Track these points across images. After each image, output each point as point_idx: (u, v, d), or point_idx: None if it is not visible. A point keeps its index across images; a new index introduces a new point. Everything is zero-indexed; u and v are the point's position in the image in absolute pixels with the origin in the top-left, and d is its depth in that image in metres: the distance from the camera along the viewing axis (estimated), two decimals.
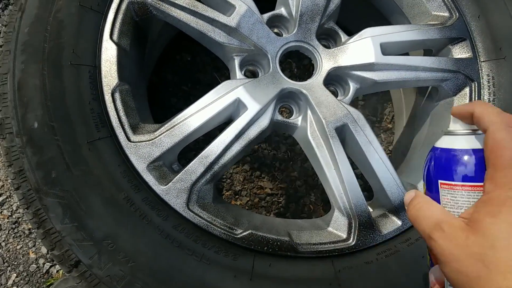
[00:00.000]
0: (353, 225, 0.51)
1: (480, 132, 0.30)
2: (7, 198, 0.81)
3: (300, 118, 0.56)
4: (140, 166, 0.47)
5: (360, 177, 0.59)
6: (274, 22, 0.60)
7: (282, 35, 0.59)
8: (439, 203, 0.31)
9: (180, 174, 0.47)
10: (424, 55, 0.67)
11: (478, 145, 0.30)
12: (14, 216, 0.80)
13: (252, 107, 0.51)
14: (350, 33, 0.60)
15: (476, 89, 0.60)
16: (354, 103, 0.89)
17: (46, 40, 0.47)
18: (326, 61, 0.58)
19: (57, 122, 0.45)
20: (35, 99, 0.45)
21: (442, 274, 0.29)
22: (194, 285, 0.43)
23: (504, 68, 0.61)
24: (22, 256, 0.77)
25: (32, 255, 0.78)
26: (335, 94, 0.59)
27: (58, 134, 0.44)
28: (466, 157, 0.29)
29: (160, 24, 0.64)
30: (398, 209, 0.53)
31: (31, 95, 0.45)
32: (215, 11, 0.54)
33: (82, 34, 0.49)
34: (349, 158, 0.53)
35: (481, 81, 0.60)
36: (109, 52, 0.50)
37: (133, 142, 0.47)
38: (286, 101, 0.58)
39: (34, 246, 0.78)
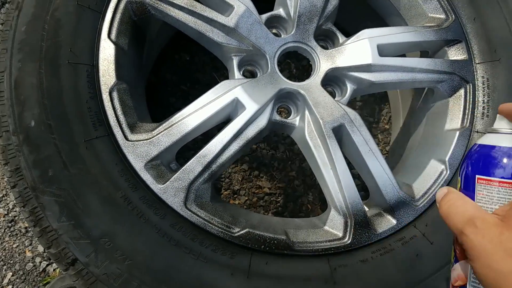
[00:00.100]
0: (349, 224, 0.51)
1: None
2: (3, 196, 0.80)
3: (298, 118, 0.57)
4: (138, 164, 0.47)
5: (357, 177, 0.59)
6: (272, 22, 0.60)
7: (280, 36, 0.59)
8: (473, 199, 0.31)
9: (178, 173, 0.48)
10: (421, 56, 0.68)
11: None
12: (10, 215, 0.80)
13: (250, 107, 0.51)
14: (348, 34, 0.61)
15: (471, 90, 0.61)
16: (351, 103, 0.89)
17: (44, 39, 0.47)
18: (324, 62, 0.58)
19: (54, 121, 0.45)
20: (32, 98, 0.45)
21: (466, 270, 0.29)
22: (191, 283, 0.43)
23: (498, 70, 0.61)
24: (18, 255, 0.77)
25: (28, 254, 0.77)
26: (333, 95, 0.60)
27: (55, 133, 0.44)
28: (507, 155, 0.30)
29: (159, 24, 0.64)
30: (393, 209, 0.54)
31: (28, 93, 0.45)
32: (214, 11, 0.54)
33: (80, 33, 0.49)
34: (346, 158, 0.54)
35: (476, 82, 0.61)
36: (107, 51, 0.50)
37: (131, 141, 0.48)
38: (284, 101, 0.58)
39: (30, 244, 0.78)
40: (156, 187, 0.47)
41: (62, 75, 0.46)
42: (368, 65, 0.57)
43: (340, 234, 0.51)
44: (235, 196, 0.82)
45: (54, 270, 0.77)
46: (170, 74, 0.85)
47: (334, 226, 0.52)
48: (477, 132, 0.59)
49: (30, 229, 0.78)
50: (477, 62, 0.62)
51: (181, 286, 0.43)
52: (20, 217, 0.79)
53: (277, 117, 0.55)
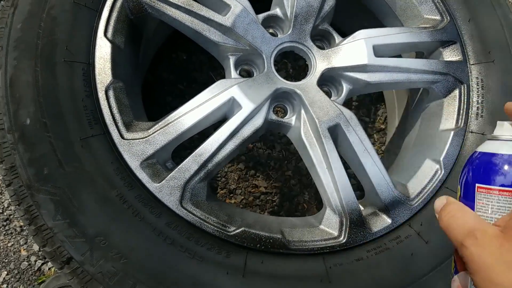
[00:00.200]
0: (344, 223, 0.52)
1: None
2: None
3: (294, 118, 0.57)
4: (134, 163, 0.47)
5: (352, 176, 0.60)
6: (269, 22, 0.60)
7: (277, 36, 0.60)
8: (473, 209, 0.30)
9: (173, 172, 0.48)
10: (416, 57, 0.68)
11: None
12: (5, 213, 0.79)
13: (247, 106, 0.51)
14: (344, 34, 0.61)
15: (466, 91, 0.62)
16: (348, 103, 0.90)
17: (39, 37, 0.46)
18: (320, 62, 0.59)
19: (49, 119, 0.45)
20: (28, 96, 0.45)
21: (466, 281, 0.29)
22: (187, 282, 0.44)
23: (492, 71, 0.62)
24: (13, 254, 0.77)
25: (23, 253, 0.77)
26: (329, 95, 0.60)
27: (50, 131, 0.44)
28: (507, 162, 0.29)
29: (156, 22, 0.64)
30: (388, 208, 0.54)
31: (23, 91, 0.45)
32: (211, 10, 0.54)
33: (76, 31, 0.48)
34: (341, 157, 0.54)
35: (471, 83, 0.62)
36: (103, 50, 0.49)
37: (127, 139, 0.47)
38: (281, 101, 0.58)
39: (25, 243, 0.78)
40: (151, 185, 0.47)
41: (58, 73, 0.46)
42: (364, 66, 0.57)
43: (336, 233, 0.52)
44: (231, 195, 0.82)
45: (49, 269, 0.77)
46: (167, 73, 0.85)
47: (329, 225, 0.52)
48: (472, 132, 0.60)
49: (25, 228, 0.78)
50: (471, 63, 0.63)
51: (176, 285, 0.43)
52: (15, 216, 0.79)
53: (273, 117, 0.55)
